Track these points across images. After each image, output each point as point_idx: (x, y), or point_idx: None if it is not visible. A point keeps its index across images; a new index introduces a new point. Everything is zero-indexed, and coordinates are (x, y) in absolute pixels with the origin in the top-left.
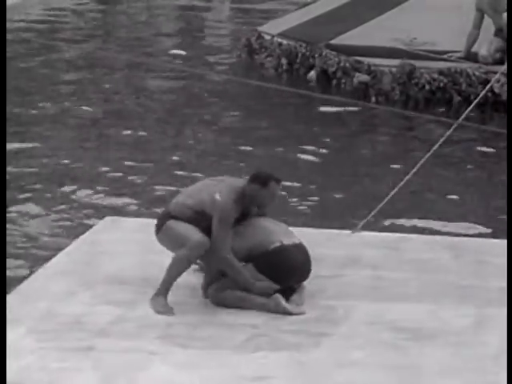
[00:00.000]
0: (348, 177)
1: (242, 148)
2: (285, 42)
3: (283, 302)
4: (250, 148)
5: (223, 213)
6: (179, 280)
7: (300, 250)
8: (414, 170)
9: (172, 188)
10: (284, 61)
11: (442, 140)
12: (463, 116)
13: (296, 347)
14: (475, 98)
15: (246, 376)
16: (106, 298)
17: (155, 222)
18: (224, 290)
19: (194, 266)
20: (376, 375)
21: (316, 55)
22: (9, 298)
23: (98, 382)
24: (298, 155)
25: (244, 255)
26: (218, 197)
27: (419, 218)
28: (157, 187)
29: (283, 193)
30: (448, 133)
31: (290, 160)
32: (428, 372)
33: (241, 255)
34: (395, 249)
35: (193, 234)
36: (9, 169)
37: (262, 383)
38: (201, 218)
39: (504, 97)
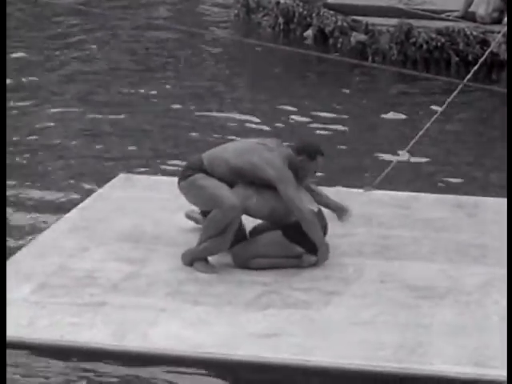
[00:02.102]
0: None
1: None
2: (282, 0)
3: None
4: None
5: (288, 182)
6: (191, 239)
7: (321, 215)
8: (422, 131)
9: None
10: (281, 20)
11: (448, 100)
12: (469, 76)
13: (307, 305)
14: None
15: (256, 333)
16: (119, 254)
17: (183, 168)
18: (255, 257)
19: None
20: (386, 333)
21: (313, 14)
22: (21, 252)
23: (107, 337)
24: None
25: (265, 215)
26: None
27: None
28: None
29: None
30: (455, 93)
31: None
32: (438, 331)
33: (261, 214)
34: (407, 207)
35: (225, 195)
36: None
37: (272, 340)
38: (237, 178)
39: (502, 56)
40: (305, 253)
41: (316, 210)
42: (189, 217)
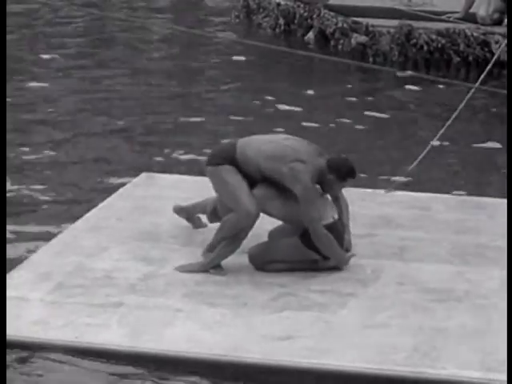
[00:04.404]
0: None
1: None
2: (283, 2)
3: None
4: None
5: (309, 196)
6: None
7: (340, 223)
8: (441, 131)
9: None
10: (282, 21)
11: (462, 104)
12: (480, 79)
13: (322, 307)
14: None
15: (271, 335)
16: (138, 254)
17: (214, 152)
18: (271, 261)
19: None
20: (400, 337)
21: (314, 16)
22: (40, 252)
23: (123, 338)
24: None
25: (286, 217)
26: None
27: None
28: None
29: None
30: (467, 97)
31: None
32: (453, 334)
33: (282, 216)
34: (428, 209)
35: (244, 200)
36: None
37: (286, 343)
38: (265, 180)
39: (502, 57)
40: (321, 259)
41: (336, 217)
42: (177, 212)
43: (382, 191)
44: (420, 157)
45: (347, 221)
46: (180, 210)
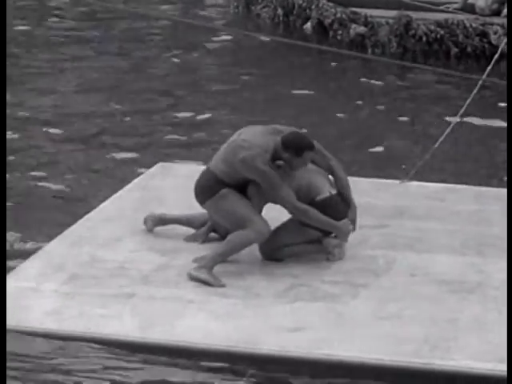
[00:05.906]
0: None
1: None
2: None
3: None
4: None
5: (270, 180)
6: None
7: (341, 197)
8: (453, 123)
9: None
10: (280, 11)
11: (469, 99)
12: (486, 72)
13: (334, 298)
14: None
15: (283, 326)
16: (151, 245)
17: (201, 188)
18: (279, 247)
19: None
20: (411, 328)
21: (312, 6)
22: (55, 242)
23: (134, 328)
24: None
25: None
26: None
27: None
28: None
29: None
30: (475, 90)
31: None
32: (464, 325)
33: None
34: (442, 200)
35: (257, 218)
36: None
37: (297, 334)
38: (241, 181)
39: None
40: (323, 236)
41: (333, 192)
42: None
43: (396, 182)
44: (433, 148)
45: (348, 192)
46: (155, 220)
